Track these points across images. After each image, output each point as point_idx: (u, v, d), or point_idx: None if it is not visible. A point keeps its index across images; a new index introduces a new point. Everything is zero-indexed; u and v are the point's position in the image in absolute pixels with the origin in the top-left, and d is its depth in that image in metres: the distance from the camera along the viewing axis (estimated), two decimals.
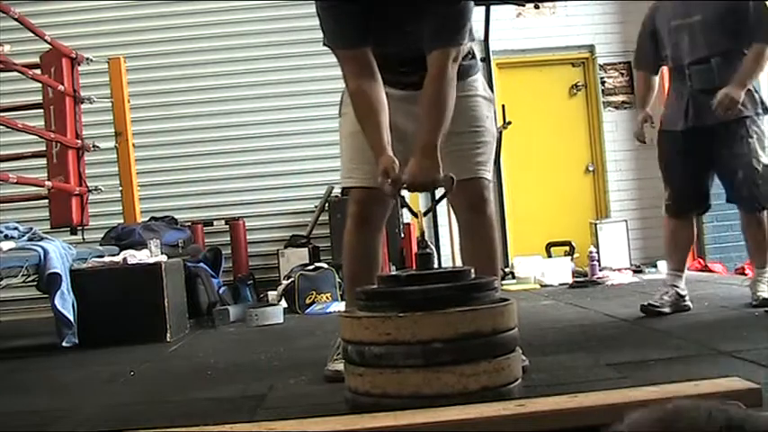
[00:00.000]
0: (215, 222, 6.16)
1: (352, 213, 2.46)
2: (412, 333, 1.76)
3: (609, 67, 6.66)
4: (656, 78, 3.66)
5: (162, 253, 4.26)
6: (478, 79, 2.49)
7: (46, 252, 3.71)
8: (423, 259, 1.99)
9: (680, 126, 3.38)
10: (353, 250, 2.47)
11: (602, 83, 6.66)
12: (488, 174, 2.46)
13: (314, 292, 4.96)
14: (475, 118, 2.42)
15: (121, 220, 5.10)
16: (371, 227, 2.47)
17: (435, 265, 2.06)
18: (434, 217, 6.27)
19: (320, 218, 5.91)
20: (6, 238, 3.86)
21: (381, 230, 2.54)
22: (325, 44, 2.29)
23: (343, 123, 2.52)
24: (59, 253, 3.79)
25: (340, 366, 2.12)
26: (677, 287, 3.43)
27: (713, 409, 0.68)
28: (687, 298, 3.48)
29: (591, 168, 6.75)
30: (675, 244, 3.51)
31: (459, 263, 5.94)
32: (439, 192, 2.23)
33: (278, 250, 5.86)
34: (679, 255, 3.52)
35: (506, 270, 5.84)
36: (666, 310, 3.34)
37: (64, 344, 3.69)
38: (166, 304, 3.88)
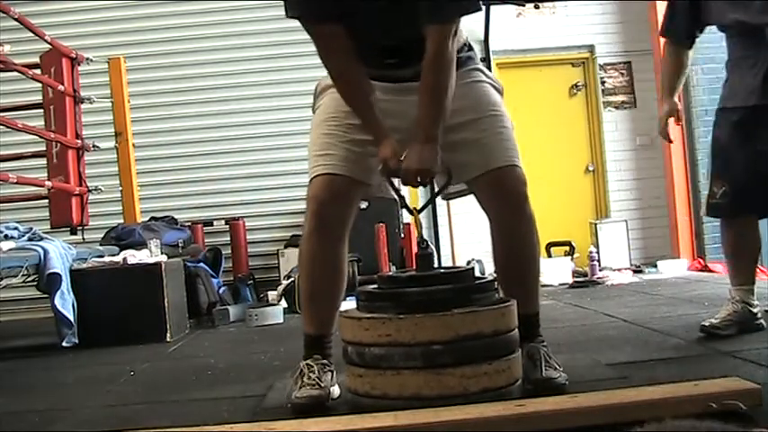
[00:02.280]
0: (215, 222, 6.15)
1: (309, 215, 2.08)
2: (412, 335, 1.76)
3: (609, 67, 6.65)
4: (690, 54, 2.97)
5: (162, 253, 4.26)
6: (482, 69, 2.23)
7: (46, 252, 3.71)
8: (423, 259, 1.98)
9: (751, 100, 2.70)
10: (311, 262, 2.10)
11: (603, 83, 6.66)
12: (521, 163, 2.12)
13: None
14: (489, 102, 2.15)
15: (121, 220, 5.10)
16: (333, 232, 2.08)
17: (435, 266, 2.06)
18: (434, 216, 6.27)
19: None
20: (6, 238, 3.85)
21: (345, 240, 2.12)
22: (291, 17, 2.04)
23: (314, 117, 2.23)
24: (59, 253, 3.79)
25: (312, 392, 1.98)
26: (747, 303, 2.76)
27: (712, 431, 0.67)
28: (760, 314, 2.79)
29: (591, 168, 6.75)
30: (739, 250, 2.83)
31: (459, 262, 5.95)
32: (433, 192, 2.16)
33: (278, 250, 5.86)
34: (745, 263, 2.83)
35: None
36: (731, 331, 2.69)
37: (64, 344, 3.69)
38: (166, 304, 3.88)
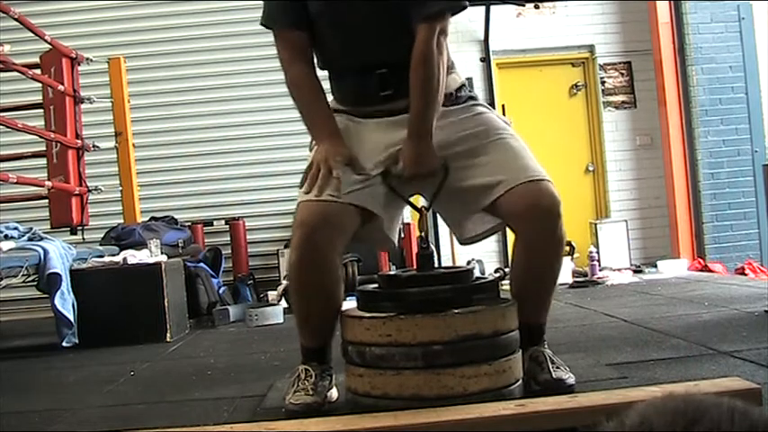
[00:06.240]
0: (215, 222, 6.16)
1: (296, 242, 1.95)
2: (413, 335, 1.76)
3: (609, 67, 6.66)
4: None
5: (162, 253, 4.26)
6: (486, 106, 2.16)
7: (46, 252, 3.71)
8: (424, 260, 1.98)
9: None
10: (303, 289, 1.99)
11: (603, 83, 6.66)
12: (550, 178, 2.01)
13: None
14: (498, 127, 2.07)
15: (121, 220, 5.10)
16: (323, 261, 1.93)
17: (436, 266, 2.05)
18: (434, 216, 6.25)
19: None
20: (6, 238, 3.86)
21: (338, 266, 1.99)
22: (262, 24, 2.10)
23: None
24: (59, 253, 3.79)
25: (306, 399, 1.95)
26: None
27: (736, 410, 0.66)
28: None
29: (591, 168, 6.75)
30: None
31: (459, 262, 5.95)
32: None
33: (278, 250, 5.86)
34: None
35: (506, 270, 5.83)
36: None
37: (64, 344, 3.69)
38: (166, 304, 3.88)
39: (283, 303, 4.93)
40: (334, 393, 2.08)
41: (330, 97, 2.16)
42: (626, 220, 6.30)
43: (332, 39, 2.06)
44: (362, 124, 2.08)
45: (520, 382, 1.87)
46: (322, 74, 2.14)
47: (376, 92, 2.03)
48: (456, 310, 1.79)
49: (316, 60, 2.13)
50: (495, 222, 2.06)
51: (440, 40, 1.97)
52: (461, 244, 2.17)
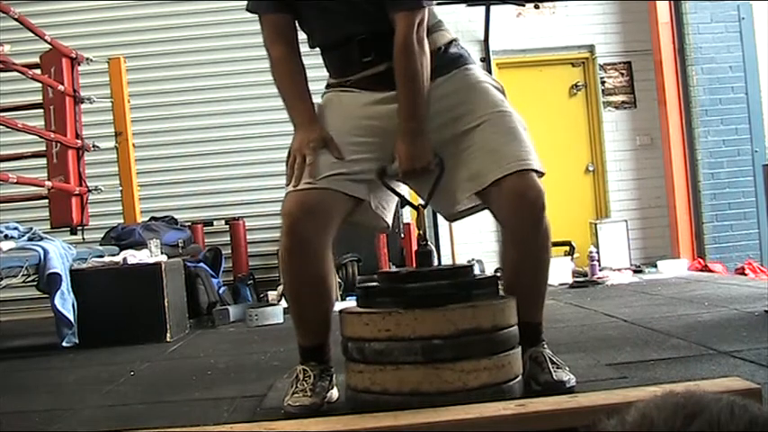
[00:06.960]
0: (215, 222, 6.16)
1: (282, 234, 1.98)
2: (412, 330, 1.76)
3: (609, 67, 6.66)
4: None
5: (162, 253, 4.26)
6: (478, 69, 2.14)
7: (46, 252, 3.71)
8: (423, 257, 1.98)
9: None
10: (294, 281, 2.04)
11: (603, 83, 6.66)
12: (538, 166, 1.98)
13: None
14: (492, 103, 2.03)
15: (121, 220, 5.10)
16: (310, 251, 1.96)
17: (435, 263, 2.05)
18: (434, 216, 6.26)
19: None
20: (6, 238, 3.86)
21: (326, 255, 2.00)
22: (248, 9, 2.21)
23: None
24: (59, 253, 3.79)
25: (304, 400, 1.95)
26: None
27: (735, 405, 0.66)
28: None
29: (591, 168, 6.75)
30: None
31: (459, 261, 5.94)
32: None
33: (278, 250, 5.84)
34: None
35: None
36: None
37: (64, 344, 3.69)
38: (166, 304, 3.88)
39: (283, 303, 4.92)
40: (334, 393, 2.07)
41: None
42: (626, 220, 6.30)
43: (313, 17, 2.09)
44: (347, 95, 2.09)
45: (519, 378, 1.87)
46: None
47: (358, 58, 2.04)
48: (455, 305, 1.79)
49: (308, 40, 2.15)
50: (480, 200, 2.08)
51: (419, 31, 1.97)
52: (448, 221, 2.16)
